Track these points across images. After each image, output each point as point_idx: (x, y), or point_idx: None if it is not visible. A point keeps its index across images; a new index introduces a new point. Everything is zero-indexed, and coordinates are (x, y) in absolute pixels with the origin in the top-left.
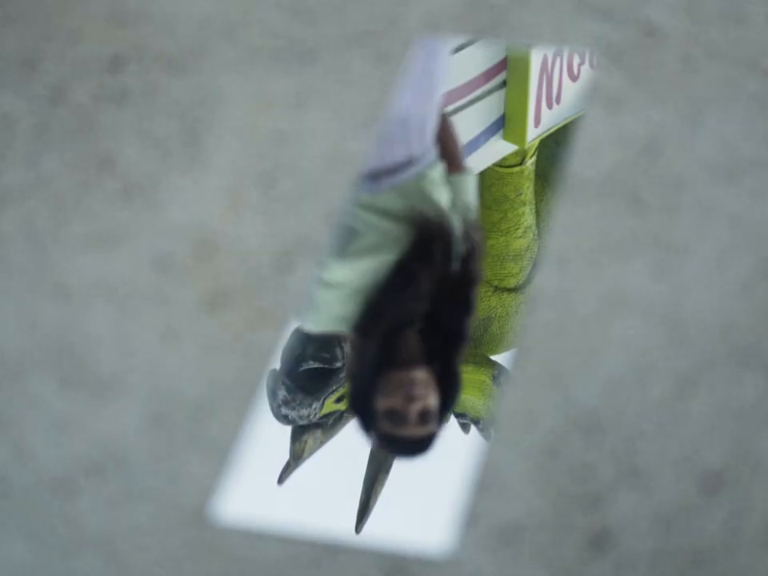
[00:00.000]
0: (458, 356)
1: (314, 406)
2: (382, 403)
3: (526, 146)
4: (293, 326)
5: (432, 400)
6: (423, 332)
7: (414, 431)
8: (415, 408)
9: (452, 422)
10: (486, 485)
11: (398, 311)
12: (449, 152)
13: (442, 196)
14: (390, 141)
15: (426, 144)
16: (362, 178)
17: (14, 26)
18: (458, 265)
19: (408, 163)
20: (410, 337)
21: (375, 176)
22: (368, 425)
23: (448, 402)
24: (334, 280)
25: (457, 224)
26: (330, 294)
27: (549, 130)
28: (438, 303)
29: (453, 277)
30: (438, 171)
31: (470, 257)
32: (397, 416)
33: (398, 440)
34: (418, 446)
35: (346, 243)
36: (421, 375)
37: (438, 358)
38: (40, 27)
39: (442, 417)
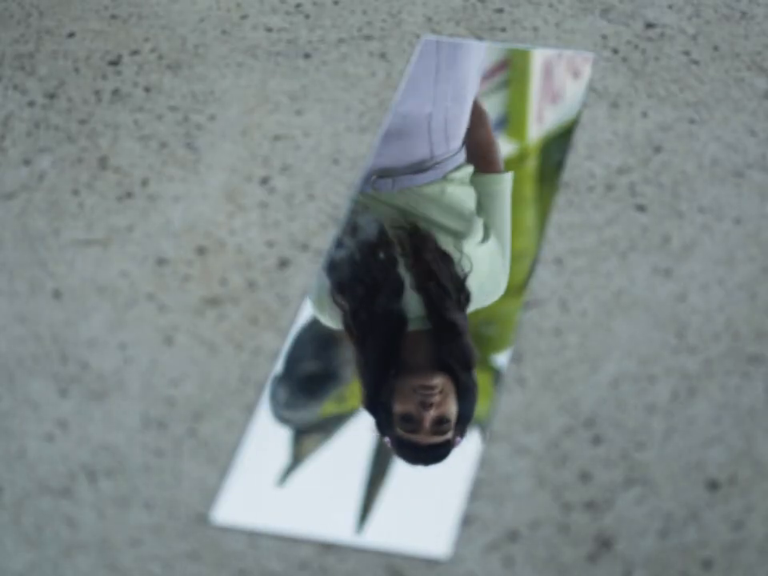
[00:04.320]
0: (473, 368)
1: (314, 407)
2: (398, 407)
3: (527, 145)
4: (294, 326)
5: (449, 408)
6: (435, 333)
7: (428, 438)
8: (430, 415)
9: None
10: (485, 486)
11: (381, 311)
12: (481, 152)
13: (467, 198)
14: (407, 138)
15: (452, 147)
16: (374, 174)
17: (12, 24)
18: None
19: (430, 165)
20: (419, 339)
21: (390, 174)
22: (383, 427)
23: (469, 411)
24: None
25: (478, 227)
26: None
27: (550, 129)
28: (442, 313)
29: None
30: (464, 173)
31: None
32: (411, 422)
33: (412, 446)
34: (432, 453)
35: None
36: (439, 382)
37: (457, 362)
38: (38, 26)
39: (463, 426)
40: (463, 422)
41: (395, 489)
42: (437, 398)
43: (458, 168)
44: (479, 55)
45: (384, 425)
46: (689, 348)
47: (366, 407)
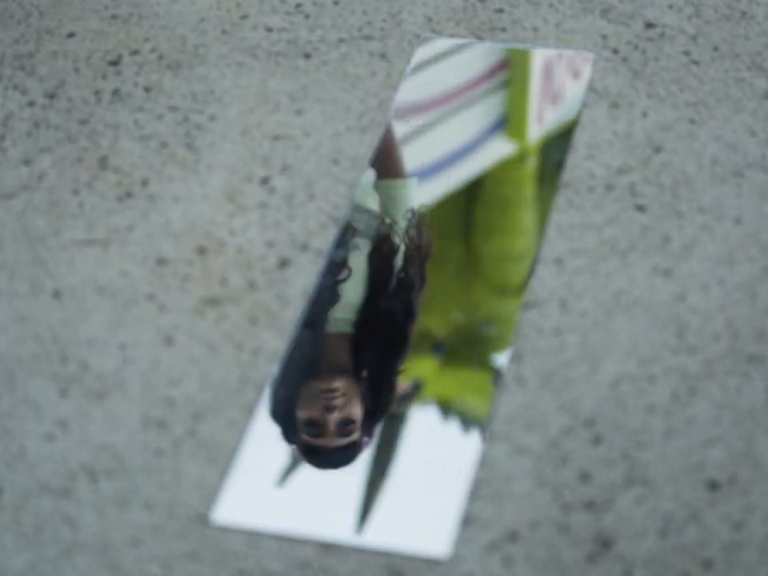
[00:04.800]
0: (396, 364)
1: None
2: (302, 413)
3: (527, 145)
4: (293, 326)
5: (354, 410)
6: (358, 338)
7: (334, 441)
8: (334, 418)
9: (452, 422)
10: (485, 485)
11: (310, 317)
12: (382, 158)
13: (370, 202)
14: None
15: None
16: None
17: (12, 24)
18: (399, 269)
19: None
20: (335, 343)
21: None
22: (289, 435)
23: (377, 412)
24: None
25: (389, 230)
26: None
27: (550, 129)
28: (376, 309)
29: (391, 280)
30: (365, 177)
31: (410, 261)
32: (316, 426)
33: (319, 450)
34: (339, 456)
35: None
36: (341, 384)
37: (370, 366)
38: (38, 26)
39: (370, 426)
40: (370, 422)
41: (395, 489)
42: (339, 401)
43: None
44: None
45: (289, 432)
46: (689, 348)
47: (271, 415)
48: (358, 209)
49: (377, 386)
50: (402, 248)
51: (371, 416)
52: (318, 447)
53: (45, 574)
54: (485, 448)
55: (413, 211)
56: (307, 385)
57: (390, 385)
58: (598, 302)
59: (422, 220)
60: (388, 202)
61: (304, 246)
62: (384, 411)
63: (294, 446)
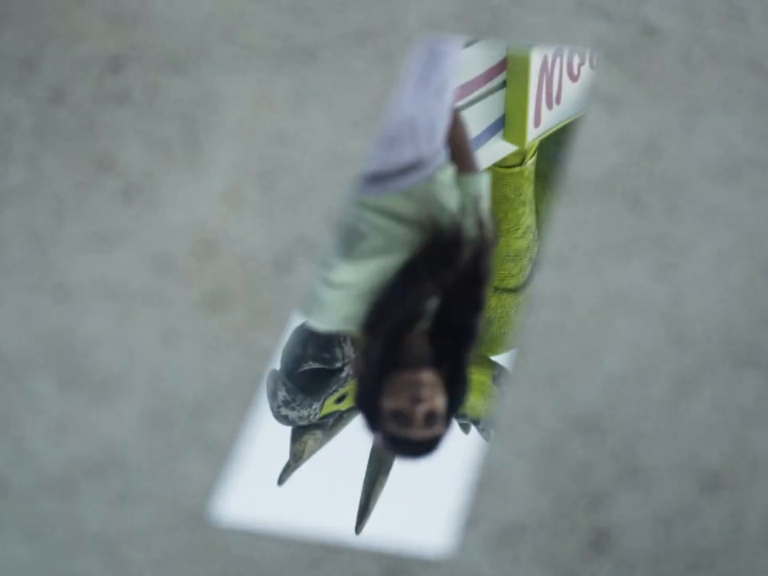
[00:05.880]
0: (468, 357)
1: (314, 406)
2: (388, 403)
3: (526, 146)
4: (293, 325)
5: (438, 402)
6: (433, 333)
7: (420, 433)
8: (421, 410)
9: (452, 423)
10: (486, 485)
11: (402, 312)
12: (460, 153)
13: (451, 199)
14: (396, 142)
15: (435, 146)
16: (364, 179)
17: (13, 25)
18: (468, 264)
19: (416, 165)
20: (416, 337)
21: (380, 178)
22: (374, 424)
23: (455, 404)
24: (340, 281)
25: (468, 227)
26: (336, 295)
27: (549, 130)
28: (448, 303)
29: (463, 276)
30: (447, 174)
31: (481, 255)
32: (402, 417)
33: (403, 441)
34: (423, 447)
35: (352, 244)
36: (427, 377)
37: (448, 359)
38: (40, 27)
39: (449, 419)
40: (448, 414)
41: (396, 488)
42: (426, 393)
43: (441, 168)
44: (458, 53)
45: (374, 421)
46: (688, 348)
47: (358, 405)
48: (375, 209)
49: (455, 378)
50: (471, 241)
51: (449, 408)
52: (403, 438)
53: (46, 570)
54: (486, 447)
55: (478, 204)
56: (395, 376)
57: (466, 377)
58: (598, 302)
59: (487, 213)
60: (466, 198)
61: (304, 246)
62: (460, 404)
63: (377, 435)
